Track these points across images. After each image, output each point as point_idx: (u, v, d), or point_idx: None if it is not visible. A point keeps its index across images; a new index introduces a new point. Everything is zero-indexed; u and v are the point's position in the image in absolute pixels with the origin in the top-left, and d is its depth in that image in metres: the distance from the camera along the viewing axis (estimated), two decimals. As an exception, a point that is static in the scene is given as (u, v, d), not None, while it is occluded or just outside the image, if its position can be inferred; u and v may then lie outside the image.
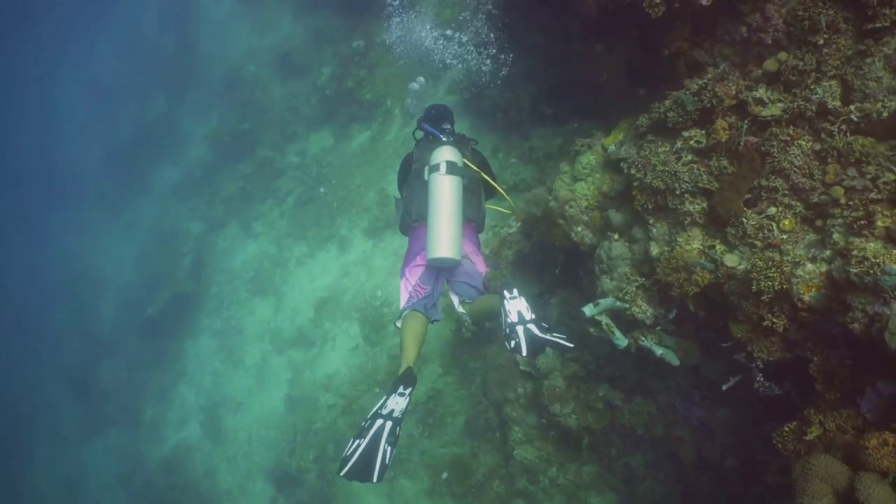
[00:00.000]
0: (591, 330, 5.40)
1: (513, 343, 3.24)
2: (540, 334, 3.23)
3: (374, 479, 2.94)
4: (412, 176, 4.01)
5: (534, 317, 3.35)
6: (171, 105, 19.61)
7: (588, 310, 5.14)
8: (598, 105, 7.75)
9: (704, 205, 4.41)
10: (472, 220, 3.99)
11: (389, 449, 3.03)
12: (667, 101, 4.57)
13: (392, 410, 3.14)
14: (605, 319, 5.14)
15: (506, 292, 3.49)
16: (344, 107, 13.22)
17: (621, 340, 5.14)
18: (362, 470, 2.95)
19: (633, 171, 4.75)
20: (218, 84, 17.97)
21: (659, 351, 4.94)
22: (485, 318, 3.92)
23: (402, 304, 3.93)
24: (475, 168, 4.04)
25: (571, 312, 6.77)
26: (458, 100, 10.53)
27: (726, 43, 4.66)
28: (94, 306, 18.21)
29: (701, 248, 4.39)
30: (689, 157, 4.45)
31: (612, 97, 6.96)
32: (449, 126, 4.28)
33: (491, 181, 4.17)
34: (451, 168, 3.75)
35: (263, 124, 15.18)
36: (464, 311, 3.96)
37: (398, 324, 3.87)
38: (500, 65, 9.82)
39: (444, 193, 3.67)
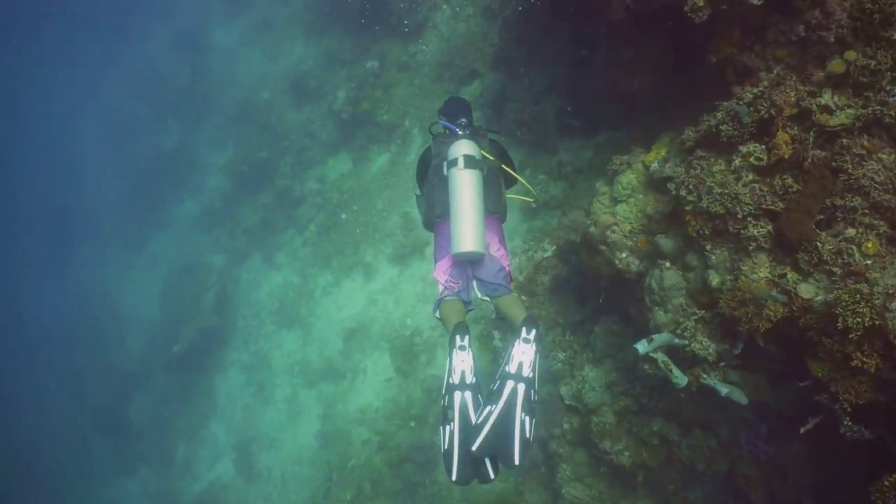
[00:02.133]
0: (646, 367, 4.93)
1: (488, 409, 2.89)
2: (518, 410, 2.86)
3: (491, 476, 2.85)
4: (432, 172, 3.96)
5: (532, 376, 3.01)
6: (186, 135, 19.53)
7: (641, 347, 4.67)
8: (629, 115, 7.30)
9: (770, 228, 3.93)
10: (494, 212, 3.91)
11: (487, 425, 2.84)
12: (718, 113, 4.11)
13: (463, 375, 3.00)
14: (660, 357, 4.66)
15: (524, 330, 3.14)
16: (361, 129, 12.92)
17: (680, 379, 4.66)
18: (474, 467, 2.85)
19: (683, 194, 4.28)
20: (232, 112, 17.83)
21: (724, 390, 4.44)
22: (504, 314, 3.77)
23: (439, 296, 3.88)
24: (494, 159, 3.94)
25: (617, 342, 6.31)
26: (478, 115, 10.14)
27: (780, 44, 4.18)
28: (120, 343, 18.09)
29: (770, 276, 3.90)
30: (750, 177, 3.97)
31: (647, 107, 6.50)
32: (465, 119, 4.18)
33: (510, 171, 4.07)
34: (469, 162, 3.69)
35: (280, 151, 14.95)
36: (488, 301, 3.88)
37: (437, 314, 3.84)
38: (520, 77, 9.42)
39: (465, 188, 3.62)
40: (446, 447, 2.88)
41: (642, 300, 5.19)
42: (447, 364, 3.10)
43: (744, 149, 3.99)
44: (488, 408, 2.90)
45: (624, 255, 5.22)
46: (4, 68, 29.86)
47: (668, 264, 4.69)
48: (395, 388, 10.40)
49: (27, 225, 25.59)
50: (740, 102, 3.95)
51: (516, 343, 3.11)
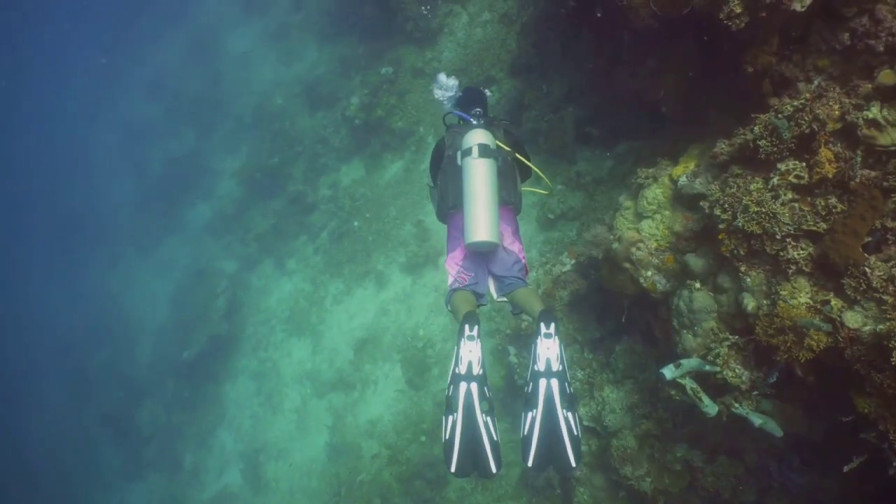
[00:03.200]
0: (673, 393, 4.66)
1: (530, 415, 2.86)
2: (558, 408, 2.81)
3: (493, 470, 2.74)
4: (446, 162, 3.88)
5: (561, 368, 2.96)
6: (200, 141, 19.43)
7: (668, 372, 4.41)
8: (653, 126, 7.04)
9: (811, 250, 3.66)
10: (509, 203, 3.77)
11: (490, 421, 2.83)
12: (755, 127, 3.85)
13: (470, 365, 2.95)
14: (689, 383, 4.39)
15: (543, 325, 3.09)
16: (375, 136, 12.72)
17: (710, 408, 4.38)
18: (476, 460, 2.76)
19: (718, 212, 4.02)
20: (246, 118, 17.71)
21: (758, 421, 4.17)
22: (521, 308, 3.67)
23: (450, 286, 3.81)
24: (508, 149, 3.83)
25: (640, 363, 6.03)
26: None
27: (822, 53, 3.92)
28: (130, 348, 17.97)
29: (811, 303, 3.63)
30: (789, 196, 3.71)
31: (672, 117, 6.23)
32: (480, 109, 4.12)
33: (525, 161, 3.94)
34: (484, 151, 3.60)
35: (293, 157, 14.78)
36: (505, 300, 3.79)
37: (448, 307, 3.78)
38: (538, 84, 9.19)
39: (479, 177, 3.55)
40: (447, 437, 2.82)
41: (668, 321, 4.93)
42: (454, 354, 3.05)
43: (783, 166, 3.73)
44: (529, 414, 2.86)
45: (649, 273, 4.96)
46: (18, 73, 30.11)
47: (697, 285, 4.42)
48: (406, 400, 10.16)
49: (39, 229, 25.68)
50: (780, 116, 3.69)
51: (538, 340, 3.05)
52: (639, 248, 4.93)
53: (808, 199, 3.68)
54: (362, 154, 13.19)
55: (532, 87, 9.30)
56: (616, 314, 6.06)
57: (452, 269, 3.80)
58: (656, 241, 4.91)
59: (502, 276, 3.73)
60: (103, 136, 25.12)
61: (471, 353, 3.01)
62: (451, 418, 2.85)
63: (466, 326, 3.08)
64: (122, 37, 26.08)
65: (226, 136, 18.26)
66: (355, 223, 12.53)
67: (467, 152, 3.63)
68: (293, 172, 14.50)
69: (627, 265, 5.05)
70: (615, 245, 5.10)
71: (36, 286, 24.53)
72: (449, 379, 2.98)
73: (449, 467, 2.76)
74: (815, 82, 3.91)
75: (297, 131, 15.06)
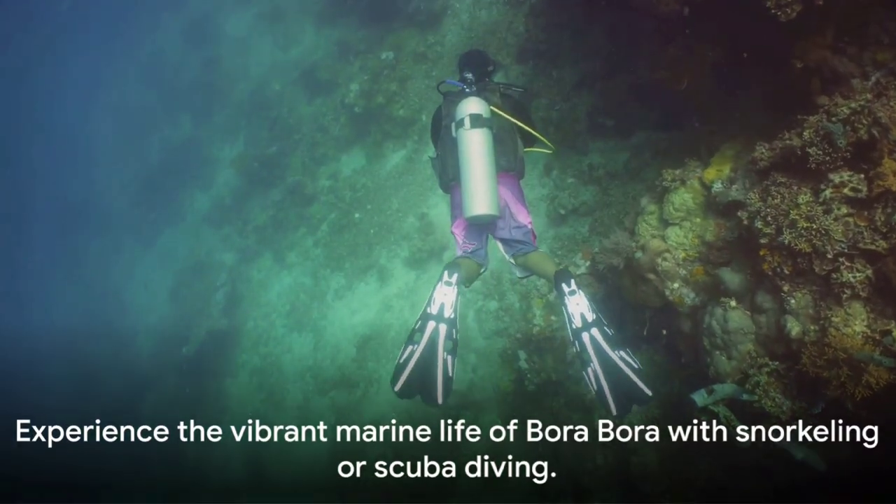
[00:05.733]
0: (704, 420, 4.28)
1: (589, 370, 2.94)
2: (609, 352, 2.92)
3: (439, 400, 2.87)
4: (443, 133, 3.77)
5: (595, 317, 3.04)
6: (197, 127, 18.92)
7: (700, 398, 4.03)
8: (674, 116, 6.59)
9: (869, 273, 3.25)
10: (509, 169, 3.67)
11: (450, 358, 2.94)
12: (805, 132, 3.40)
13: (442, 307, 3.01)
14: (723, 411, 4.00)
15: (564, 286, 3.15)
16: (375, 124, 12.22)
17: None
18: (422, 386, 2.87)
19: (760, 225, 3.60)
20: (243, 104, 17.16)
21: (800, 454, 3.79)
22: (535, 273, 3.71)
23: (456, 255, 3.78)
24: (506, 115, 3.67)
25: (661, 375, 5.65)
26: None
27: (883, 46, 3.46)
28: (131, 341, 17.69)
29: (868, 332, 3.23)
30: (843, 210, 3.28)
31: (697, 109, 5.78)
32: (471, 74, 3.88)
33: (522, 124, 3.75)
34: (476, 121, 3.47)
35: (291, 146, 14.27)
36: (513, 262, 3.77)
37: None
38: (548, 71, 8.70)
39: (473, 149, 3.45)
40: (401, 361, 2.93)
41: (695, 336, 4.54)
42: (429, 295, 3.12)
43: (836, 177, 3.30)
44: (589, 370, 2.93)
45: (676, 285, 4.55)
46: (12, 62, 29.54)
47: (733, 303, 4.01)
48: (412, 400, 9.82)
49: (37, 219, 25.31)
50: (834, 120, 3.25)
51: (566, 301, 3.11)
52: (665, 259, 4.52)
53: (866, 213, 3.26)
54: (363, 143, 12.71)
55: (542, 74, 8.80)
56: (634, 320, 5.67)
57: (459, 237, 3.78)
58: (684, 250, 4.50)
59: (509, 241, 3.71)
60: (98, 122, 24.62)
61: (445, 296, 3.07)
62: (410, 348, 2.95)
63: (446, 273, 3.15)
64: (116, 19, 25.45)
65: (223, 123, 17.73)
66: (356, 215, 12.10)
67: (460, 123, 3.51)
68: (291, 162, 14.02)
69: (652, 276, 4.64)
70: (638, 255, 4.68)
71: (34, 278, 24.23)
72: (418, 317, 3.04)
73: (393, 386, 2.89)
74: (873, 79, 3.46)
75: (295, 119, 14.55)
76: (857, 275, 3.26)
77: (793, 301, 3.56)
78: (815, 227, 3.31)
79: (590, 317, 3.02)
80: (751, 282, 3.93)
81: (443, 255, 10.17)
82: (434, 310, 3.02)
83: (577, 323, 3.02)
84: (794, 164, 3.54)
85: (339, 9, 14.38)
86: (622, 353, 2.93)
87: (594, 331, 2.97)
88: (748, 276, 3.94)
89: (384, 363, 10.54)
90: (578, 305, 3.06)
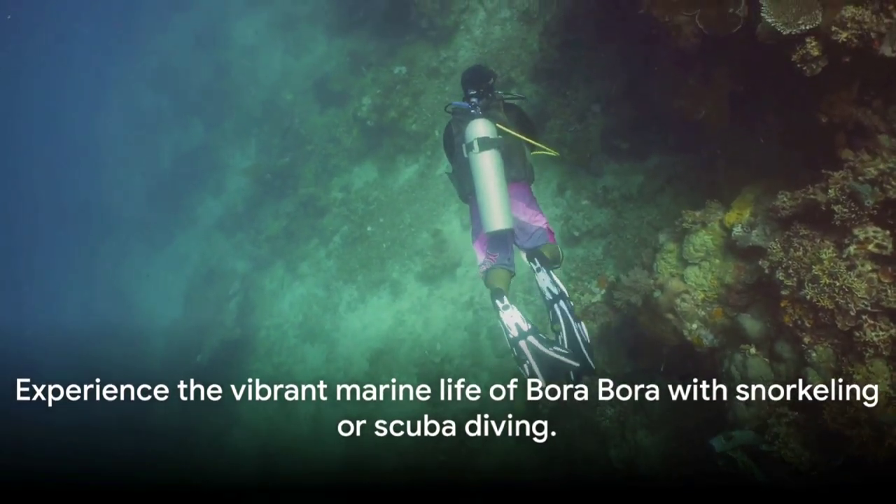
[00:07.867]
0: (721, 463, 4.29)
1: (526, 367, 3.39)
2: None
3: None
4: (456, 152, 4.00)
5: (531, 326, 3.45)
6: (209, 134, 19.01)
7: (718, 444, 4.05)
8: (690, 143, 6.58)
9: (893, 332, 3.25)
10: (518, 179, 3.98)
11: (563, 333, 3.60)
12: (830, 190, 3.40)
13: (518, 326, 3.44)
14: (741, 457, 4.02)
15: (497, 302, 3.60)
16: (388, 138, 12.24)
17: (764, 479, 4.01)
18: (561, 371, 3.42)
19: (781, 277, 3.61)
20: (255, 111, 17.23)
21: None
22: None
23: (480, 268, 4.12)
24: (512, 133, 3.91)
25: (678, 409, 5.66)
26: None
27: (908, 102, 3.46)
28: (144, 348, 17.82)
29: (891, 392, 3.23)
30: (868, 267, 3.29)
31: (715, 138, 5.77)
32: (475, 92, 4.08)
33: (527, 139, 4.03)
34: (485, 144, 3.71)
35: (304, 156, 14.32)
36: (533, 266, 4.06)
37: (487, 286, 4.05)
38: (562, 91, 8.70)
39: (485, 171, 3.70)
40: (528, 374, 3.38)
41: (713, 378, 4.55)
42: (501, 326, 3.54)
43: (861, 233, 3.31)
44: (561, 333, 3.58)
45: (695, 326, 4.56)
46: (24, 65, 29.75)
47: (753, 350, 4.03)
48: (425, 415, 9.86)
49: (47, 222, 25.50)
50: (860, 179, 3.26)
51: (537, 277, 3.84)
52: (684, 300, 4.53)
53: (890, 270, 3.26)
54: (375, 156, 12.73)
55: (555, 94, 8.80)
56: (651, 356, 5.68)
57: (480, 251, 4.06)
58: (703, 291, 4.51)
59: (526, 246, 3.98)
60: (110, 126, 24.75)
61: (512, 318, 3.47)
62: (525, 364, 3.38)
63: (497, 301, 3.58)
64: (128, 24, 25.57)
65: (235, 130, 17.78)
66: (368, 228, 12.14)
67: (470, 146, 3.72)
68: (304, 173, 14.07)
69: (670, 316, 4.65)
70: (657, 294, 4.70)
71: (47, 281, 24.42)
72: (508, 345, 3.44)
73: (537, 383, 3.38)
74: (898, 134, 3.46)
75: (307, 129, 14.58)
76: (881, 333, 3.26)
77: (814, 354, 3.57)
78: (838, 284, 3.32)
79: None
80: (770, 329, 3.94)
81: (455, 271, 10.21)
82: (514, 333, 3.41)
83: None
84: (817, 218, 3.55)
85: (351, 20, 14.39)
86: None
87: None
88: (768, 324, 3.95)
89: (397, 377, 10.56)
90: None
